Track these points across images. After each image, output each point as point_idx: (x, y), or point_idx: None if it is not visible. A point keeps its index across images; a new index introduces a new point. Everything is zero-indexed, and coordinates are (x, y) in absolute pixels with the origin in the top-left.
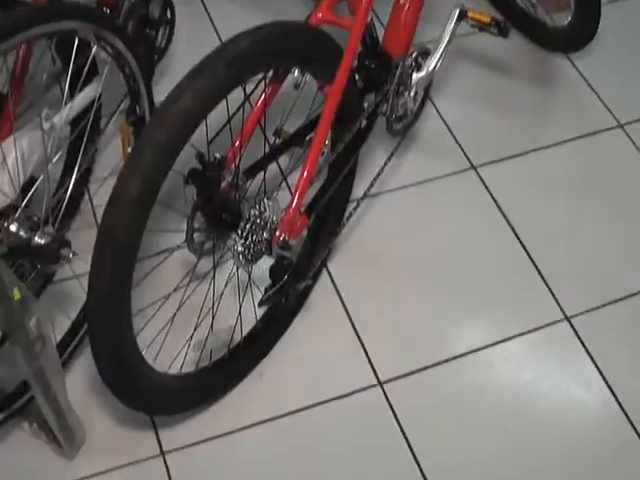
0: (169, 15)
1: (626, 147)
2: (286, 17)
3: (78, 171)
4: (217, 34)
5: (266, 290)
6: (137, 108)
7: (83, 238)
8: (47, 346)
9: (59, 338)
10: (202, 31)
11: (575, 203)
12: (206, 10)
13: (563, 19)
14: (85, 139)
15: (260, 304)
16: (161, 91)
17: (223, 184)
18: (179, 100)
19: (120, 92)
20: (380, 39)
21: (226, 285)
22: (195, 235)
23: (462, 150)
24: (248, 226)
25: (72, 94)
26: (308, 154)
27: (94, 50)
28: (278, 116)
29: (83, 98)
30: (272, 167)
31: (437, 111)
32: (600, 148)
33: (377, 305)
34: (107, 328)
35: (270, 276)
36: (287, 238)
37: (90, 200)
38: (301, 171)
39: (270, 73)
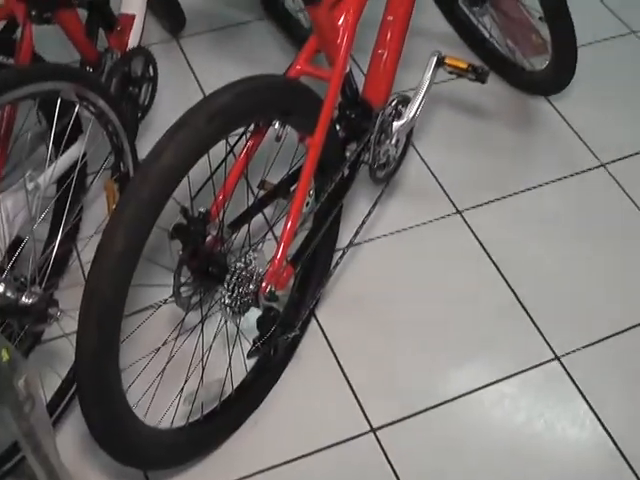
0: (151, 71)
1: (609, 185)
2: (268, 65)
3: (64, 229)
4: (200, 87)
5: (254, 342)
6: (121, 165)
7: (72, 296)
8: (37, 406)
9: (49, 397)
10: (185, 84)
11: (561, 243)
12: (188, 63)
13: (541, 63)
14: (70, 197)
15: (249, 356)
16: (146, 146)
17: (208, 238)
18: (160, 157)
19: (106, 149)
20: (360, 88)
21: (215, 337)
22: (182, 289)
23: (447, 195)
24: (234, 279)
25: (57, 153)
26: (292, 205)
27: (77, 110)
28: (262, 167)
29: (68, 157)
30: (258, 218)
31: (420, 157)
32: (584, 187)
33: (367, 352)
34: (96, 385)
35: (258, 327)
36: (273, 289)
37: (78, 257)
38: (285, 222)
39: (251, 126)
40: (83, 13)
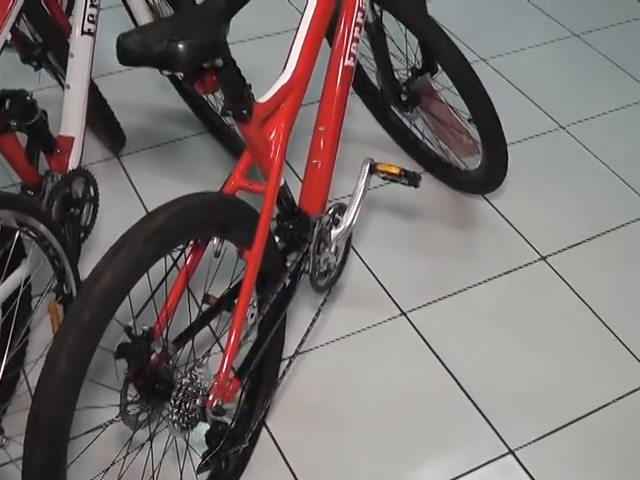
0: (92, 192)
1: (550, 277)
2: (208, 179)
3: (10, 354)
4: (142, 203)
5: (204, 456)
6: (64, 287)
7: (20, 420)
8: None
9: None
10: (127, 202)
11: (506, 336)
12: (130, 180)
13: (474, 162)
14: (15, 321)
15: (199, 470)
16: (89, 266)
17: (153, 355)
18: (100, 280)
19: (50, 270)
20: (296, 198)
21: (164, 453)
22: (129, 407)
23: (390, 297)
24: (181, 395)
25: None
26: (234, 318)
27: (17, 235)
28: (205, 280)
29: (11, 281)
30: (203, 330)
31: (362, 260)
32: (526, 281)
33: (321, 459)
34: None
35: (207, 442)
36: (220, 403)
37: (26, 380)
38: (229, 335)
39: (190, 243)
40: (23, 137)
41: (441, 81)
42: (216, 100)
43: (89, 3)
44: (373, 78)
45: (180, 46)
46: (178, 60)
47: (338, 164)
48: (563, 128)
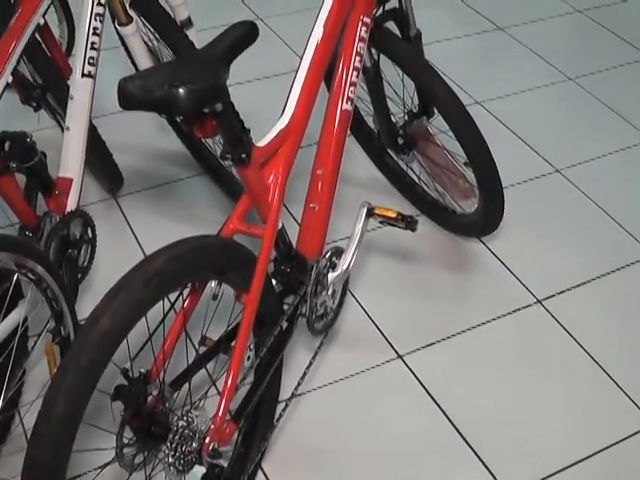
0: (90, 233)
1: (546, 321)
2: (206, 221)
3: (6, 395)
4: (139, 245)
5: None
6: (62, 329)
7: (16, 462)
8: None
9: None
10: (124, 243)
11: (503, 380)
12: (127, 222)
13: (470, 206)
14: (12, 362)
15: None
16: (87, 307)
17: (150, 398)
18: (98, 323)
19: (47, 311)
20: (294, 241)
21: None
22: (125, 450)
23: (387, 340)
24: (177, 437)
25: None
26: (231, 361)
27: (15, 277)
28: (202, 322)
29: (8, 322)
30: (200, 372)
31: (358, 303)
32: (522, 324)
33: None
34: None
35: None
36: (217, 446)
37: (21, 422)
38: (226, 378)
39: (188, 285)
40: (21, 178)
41: (437, 125)
42: (214, 142)
43: (89, 46)
44: (370, 121)
45: (181, 91)
46: (179, 105)
47: (335, 206)
48: (559, 171)
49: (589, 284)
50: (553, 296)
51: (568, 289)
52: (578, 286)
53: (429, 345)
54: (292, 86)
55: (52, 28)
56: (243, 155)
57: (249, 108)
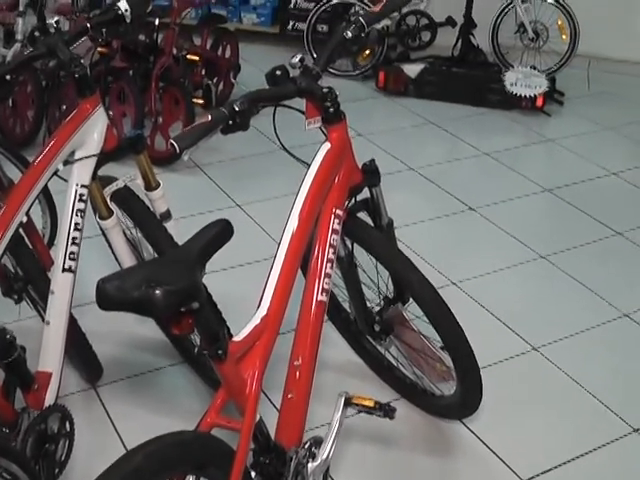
0: (68, 427)
1: None
2: (185, 411)
3: None
4: (118, 435)
5: None
6: None
7: None
8: None
9: None
10: (103, 433)
11: None
12: (106, 412)
13: (449, 388)
14: None
15: None
16: None
17: None
18: None
19: None
20: (272, 432)
21: None
22: None
23: None
24: None
25: None
26: None
27: None
28: None
29: None
30: None
31: None
32: None
33: None
34: None
35: None
36: None
37: None
38: None
39: None
40: (0, 374)
41: (413, 310)
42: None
43: (71, 241)
44: (347, 306)
45: (157, 292)
46: (155, 306)
47: (314, 391)
48: (536, 350)
49: (571, 463)
50: (538, 475)
51: (551, 468)
52: (563, 464)
53: None
54: (268, 279)
55: (35, 218)
56: (219, 351)
57: (229, 295)
